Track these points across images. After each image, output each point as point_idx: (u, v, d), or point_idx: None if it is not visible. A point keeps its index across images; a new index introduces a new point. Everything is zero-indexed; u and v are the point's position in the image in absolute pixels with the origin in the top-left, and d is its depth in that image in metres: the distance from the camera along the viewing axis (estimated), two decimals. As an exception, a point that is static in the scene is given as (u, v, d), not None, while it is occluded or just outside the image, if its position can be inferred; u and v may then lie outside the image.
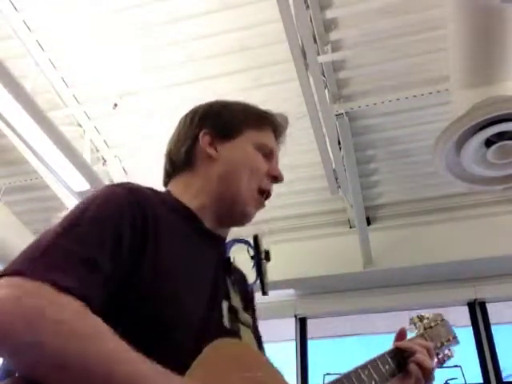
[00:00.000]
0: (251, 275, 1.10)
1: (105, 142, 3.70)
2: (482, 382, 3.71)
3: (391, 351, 1.14)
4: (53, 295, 0.68)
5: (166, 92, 3.29)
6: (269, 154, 1.10)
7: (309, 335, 4.26)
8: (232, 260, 1.04)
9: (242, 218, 1.05)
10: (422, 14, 2.81)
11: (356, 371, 1.01)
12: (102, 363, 0.66)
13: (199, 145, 1.04)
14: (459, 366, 3.74)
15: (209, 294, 0.91)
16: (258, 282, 1.09)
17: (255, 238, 1.09)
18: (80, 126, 3.56)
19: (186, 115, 1.12)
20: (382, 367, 1.06)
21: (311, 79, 2.74)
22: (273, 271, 4.12)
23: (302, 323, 4.31)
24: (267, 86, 3.23)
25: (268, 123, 1.11)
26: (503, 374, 3.71)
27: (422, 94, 3.14)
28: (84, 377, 0.65)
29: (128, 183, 0.90)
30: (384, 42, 2.96)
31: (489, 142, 2.39)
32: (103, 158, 3.74)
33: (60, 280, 0.69)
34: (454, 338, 1.28)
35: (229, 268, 1.04)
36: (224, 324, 0.92)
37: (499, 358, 3.74)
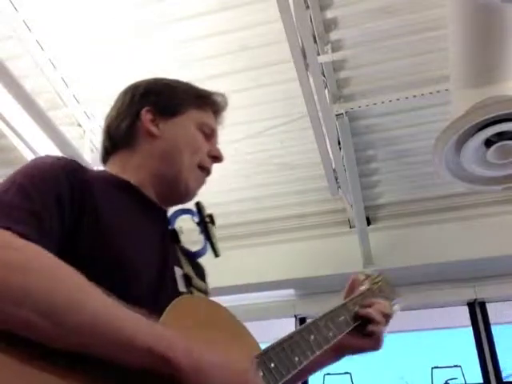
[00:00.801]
0: (200, 242, 1.09)
1: (105, 141, 3.70)
2: (481, 382, 3.71)
3: (343, 305, 1.17)
4: (15, 240, 0.68)
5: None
6: (210, 134, 1.09)
7: (309, 335, 4.26)
8: (179, 230, 1.05)
9: (185, 195, 1.06)
10: (422, 13, 2.81)
11: (314, 322, 1.05)
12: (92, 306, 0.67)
13: (140, 122, 1.04)
14: (459, 366, 3.75)
15: (158, 259, 0.92)
16: (209, 245, 1.09)
17: (197, 204, 1.10)
18: (80, 126, 3.56)
19: (126, 91, 1.11)
20: (337, 319, 1.10)
21: (311, 79, 2.74)
22: (273, 271, 4.14)
23: (302, 323, 4.31)
24: (267, 86, 3.23)
25: (209, 103, 1.11)
26: (503, 374, 3.71)
27: (422, 94, 3.14)
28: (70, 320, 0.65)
29: (65, 157, 0.91)
30: (384, 41, 2.95)
31: (489, 142, 2.39)
32: (103, 158, 3.74)
33: (16, 228, 0.70)
34: (396, 294, 1.31)
35: (177, 238, 1.04)
36: (178, 288, 0.93)
37: (499, 358, 3.74)
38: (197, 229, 1.10)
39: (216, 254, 1.08)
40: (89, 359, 0.67)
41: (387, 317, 1.17)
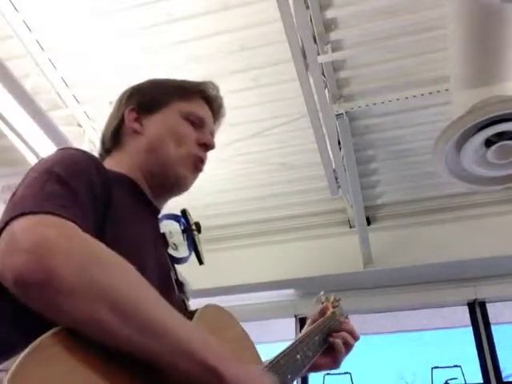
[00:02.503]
0: (184, 248, 1.11)
1: (105, 142, 3.70)
2: (482, 382, 3.71)
3: (319, 327, 1.27)
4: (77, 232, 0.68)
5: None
6: (198, 123, 1.08)
7: (309, 335, 4.26)
8: (169, 235, 1.06)
9: (178, 183, 1.05)
10: (422, 13, 2.81)
11: (301, 342, 1.12)
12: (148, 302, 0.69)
13: (125, 122, 1.06)
14: (459, 366, 3.75)
15: (162, 263, 0.94)
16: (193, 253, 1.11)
17: (183, 212, 1.11)
18: (80, 126, 3.56)
19: (118, 98, 1.13)
20: (316, 339, 1.21)
21: (311, 79, 2.74)
22: (273, 271, 4.14)
23: (302, 323, 4.31)
24: (267, 86, 3.23)
25: (195, 92, 1.10)
26: (503, 374, 3.71)
27: (422, 94, 3.14)
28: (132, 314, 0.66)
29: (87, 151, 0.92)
30: (384, 41, 2.95)
31: (489, 142, 2.39)
32: (103, 158, 3.74)
33: (70, 217, 0.69)
34: (346, 317, 1.47)
35: (166, 243, 1.05)
36: (176, 294, 0.96)
37: (499, 357, 3.74)
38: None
39: (200, 262, 1.10)
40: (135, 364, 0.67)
41: (356, 339, 1.30)
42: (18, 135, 2.88)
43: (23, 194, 0.73)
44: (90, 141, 3.61)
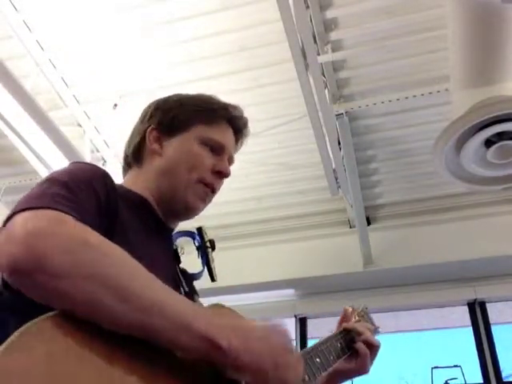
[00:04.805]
0: (198, 264, 1.13)
1: (105, 142, 3.70)
2: (482, 382, 3.71)
3: (341, 333, 1.27)
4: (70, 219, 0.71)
5: (165, 92, 3.28)
6: (217, 149, 1.07)
7: (309, 335, 4.26)
8: (181, 251, 1.07)
9: (186, 211, 1.05)
10: (422, 14, 2.81)
11: (319, 346, 1.12)
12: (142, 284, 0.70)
13: (146, 141, 1.07)
14: (459, 366, 3.75)
15: (170, 278, 0.94)
16: (206, 270, 1.12)
17: (199, 229, 1.13)
18: (80, 126, 3.56)
19: (144, 110, 1.14)
20: (337, 345, 1.21)
21: (311, 79, 2.74)
22: (273, 271, 4.13)
23: (302, 323, 4.31)
24: (267, 86, 3.23)
25: (220, 117, 1.09)
26: (503, 374, 3.71)
27: (422, 94, 3.14)
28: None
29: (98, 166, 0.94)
30: (384, 41, 2.95)
31: (489, 142, 2.39)
32: (103, 158, 3.74)
33: (68, 211, 0.72)
34: (376, 328, 1.47)
35: (178, 258, 1.07)
36: None
37: (499, 358, 3.74)
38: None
39: (213, 279, 1.12)
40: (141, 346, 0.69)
41: (374, 347, 1.28)
42: (18, 135, 2.88)
43: (29, 194, 0.76)
44: (90, 141, 3.61)
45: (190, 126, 1.06)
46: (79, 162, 0.91)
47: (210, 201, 1.08)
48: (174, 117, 1.07)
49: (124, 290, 0.67)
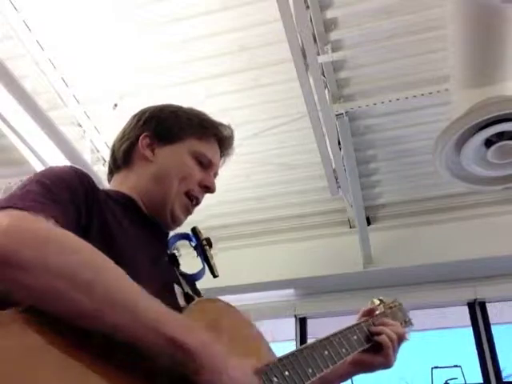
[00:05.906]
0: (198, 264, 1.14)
1: (105, 142, 3.70)
2: (482, 382, 3.71)
3: (357, 325, 1.23)
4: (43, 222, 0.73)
5: (165, 92, 3.28)
6: (206, 164, 1.12)
7: (309, 335, 4.26)
8: (178, 255, 1.10)
9: (171, 220, 1.09)
10: (422, 13, 2.81)
11: (327, 338, 1.08)
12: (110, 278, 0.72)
13: (138, 146, 1.10)
14: (459, 366, 3.75)
15: (158, 274, 0.96)
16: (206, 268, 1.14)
17: (193, 229, 1.15)
18: (80, 125, 3.56)
19: (135, 114, 1.18)
20: (350, 337, 1.16)
21: (311, 79, 2.74)
22: (273, 271, 4.13)
23: (302, 323, 4.31)
24: (267, 86, 3.23)
25: (211, 134, 1.15)
26: (503, 374, 3.72)
27: (422, 94, 3.14)
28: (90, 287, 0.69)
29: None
30: (384, 42, 2.95)
31: (489, 142, 2.39)
32: (103, 158, 3.73)
33: (44, 211, 0.75)
34: (409, 320, 1.43)
35: (176, 262, 1.09)
36: (178, 302, 0.97)
37: (499, 357, 3.74)
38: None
39: (214, 275, 1.13)
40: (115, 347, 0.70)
41: (399, 336, 1.26)
42: (18, 135, 2.88)
43: (5, 196, 0.79)
44: (90, 141, 3.61)
45: (183, 138, 1.11)
46: (58, 166, 0.94)
47: (191, 213, 1.12)
48: (169, 127, 1.12)
49: (88, 283, 0.69)
